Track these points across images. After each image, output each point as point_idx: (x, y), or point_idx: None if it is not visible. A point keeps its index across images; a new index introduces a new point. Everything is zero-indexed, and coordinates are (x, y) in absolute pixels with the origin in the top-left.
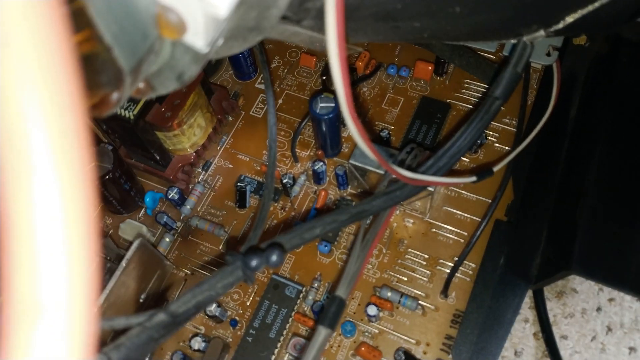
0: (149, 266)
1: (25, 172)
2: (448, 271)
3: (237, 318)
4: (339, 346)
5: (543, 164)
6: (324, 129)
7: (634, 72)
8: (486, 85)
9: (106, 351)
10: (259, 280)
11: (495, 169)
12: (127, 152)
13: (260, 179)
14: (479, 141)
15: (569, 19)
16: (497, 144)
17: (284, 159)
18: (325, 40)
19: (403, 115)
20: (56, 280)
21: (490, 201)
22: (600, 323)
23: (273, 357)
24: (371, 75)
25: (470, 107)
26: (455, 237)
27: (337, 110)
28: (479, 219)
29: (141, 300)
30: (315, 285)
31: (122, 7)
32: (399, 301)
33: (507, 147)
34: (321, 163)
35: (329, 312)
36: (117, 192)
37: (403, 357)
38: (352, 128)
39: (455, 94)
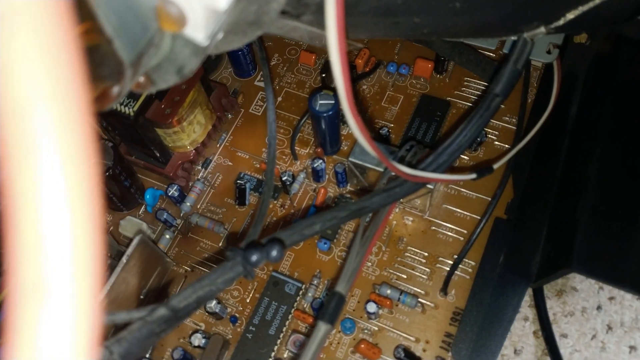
0: (149, 263)
1: (30, 158)
2: (448, 269)
3: (237, 315)
4: (338, 343)
5: (543, 162)
6: (324, 126)
7: (634, 71)
8: (486, 83)
9: (108, 345)
10: (258, 278)
11: (495, 166)
12: (127, 149)
13: (260, 177)
14: (479, 139)
15: (570, 16)
16: (497, 142)
17: (284, 157)
18: (324, 36)
19: (403, 113)
20: (62, 265)
21: (490, 199)
22: (600, 322)
23: (273, 353)
24: (371, 73)
25: (470, 104)
26: (454, 235)
27: (336, 107)
28: (479, 217)
29: (142, 297)
30: (315, 282)
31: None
32: (399, 299)
33: (507, 145)
34: (320, 161)
35: (328, 308)
36: (117, 189)
37: (402, 355)
38: (352, 124)
39: (455, 92)
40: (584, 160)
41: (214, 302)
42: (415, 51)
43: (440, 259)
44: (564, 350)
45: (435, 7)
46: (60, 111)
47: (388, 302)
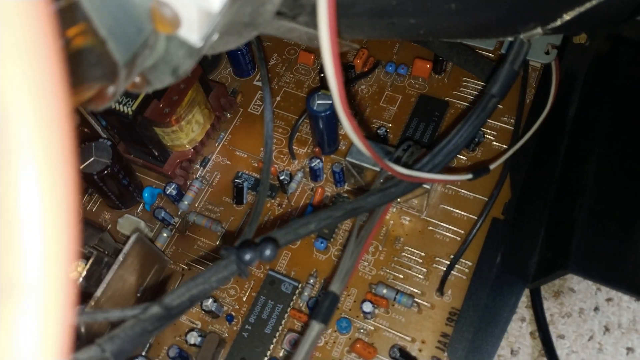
0: (147, 261)
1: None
2: (444, 269)
3: (233, 313)
4: (334, 342)
5: (541, 162)
6: (321, 126)
7: (634, 72)
8: (484, 84)
9: (100, 342)
10: (255, 276)
11: (492, 166)
12: (126, 147)
13: (258, 176)
14: (476, 139)
15: (567, 17)
16: (494, 142)
17: (281, 156)
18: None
19: (401, 113)
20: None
21: (487, 199)
22: (597, 323)
23: (268, 352)
24: (369, 73)
25: (469, 105)
26: (451, 235)
27: (334, 107)
28: (476, 217)
29: (139, 295)
30: (311, 281)
31: (116, 1)
32: (395, 298)
33: (505, 145)
34: (318, 160)
35: (322, 307)
36: (115, 187)
37: (398, 355)
38: (346, 124)
39: (454, 92)
40: (582, 161)
41: (210, 300)
42: (414, 51)
43: (437, 258)
44: (560, 352)
45: (431, 8)
46: (37, 107)
47: (384, 302)
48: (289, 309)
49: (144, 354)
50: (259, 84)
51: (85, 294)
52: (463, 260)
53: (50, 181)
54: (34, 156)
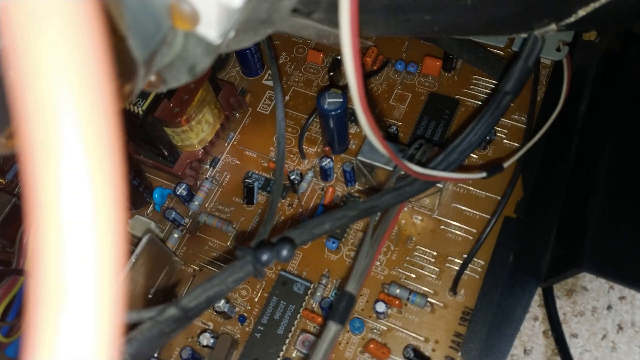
0: (158, 262)
1: (54, 158)
2: (457, 268)
3: (245, 314)
4: (347, 343)
5: (553, 160)
6: (332, 125)
7: None
8: (495, 81)
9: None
10: (267, 277)
11: (506, 164)
12: (136, 148)
13: (268, 175)
14: (488, 137)
15: (581, 13)
16: (506, 140)
17: (291, 156)
18: (334, 34)
19: (411, 111)
20: (84, 266)
21: (499, 198)
22: (611, 321)
23: (281, 353)
24: (379, 71)
25: (479, 103)
26: (464, 234)
27: (344, 106)
28: (488, 216)
29: (150, 296)
30: (324, 281)
31: None
32: (408, 298)
33: (516, 144)
34: (328, 159)
35: (338, 308)
36: (125, 188)
37: (412, 355)
38: (364, 122)
39: (464, 90)
40: (593, 158)
41: (223, 301)
42: (424, 49)
43: (450, 258)
44: (574, 350)
45: (447, 4)
46: (87, 107)
47: (397, 302)
48: (302, 309)
49: (156, 355)
50: (268, 83)
51: None
52: (476, 260)
53: (100, 183)
54: (83, 156)
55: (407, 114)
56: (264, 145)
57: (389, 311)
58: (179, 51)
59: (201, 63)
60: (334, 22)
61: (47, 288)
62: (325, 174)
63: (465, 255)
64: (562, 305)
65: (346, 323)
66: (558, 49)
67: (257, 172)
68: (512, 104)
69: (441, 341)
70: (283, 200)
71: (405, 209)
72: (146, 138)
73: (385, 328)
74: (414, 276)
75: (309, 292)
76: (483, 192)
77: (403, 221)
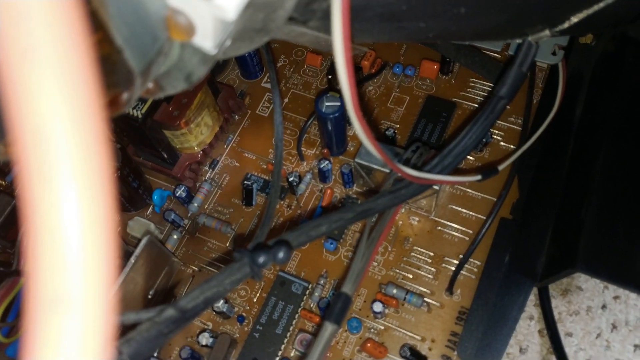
0: (157, 263)
1: (48, 171)
2: (453, 269)
3: (244, 314)
4: (344, 342)
5: (549, 162)
6: (330, 127)
7: None
8: (492, 84)
9: (117, 345)
10: (265, 277)
11: (501, 167)
12: (135, 150)
13: (266, 177)
14: (484, 140)
15: (574, 19)
16: (502, 143)
17: (290, 158)
18: (331, 41)
19: (409, 114)
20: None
21: (495, 199)
22: (605, 320)
23: (280, 352)
24: (377, 74)
25: (476, 106)
26: (460, 235)
27: (342, 109)
28: (484, 217)
29: (149, 297)
30: (322, 282)
31: (133, 10)
32: (405, 298)
33: (512, 146)
34: (327, 161)
35: (335, 308)
36: (125, 190)
37: (408, 354)
38: (358, 127)
39: (461, 93)
40: (589, 161)
41: (222, 301)
42: (421, 53)
43: (446, 258)
44: (568, 349)
45: (441, 12)
46: (76, 123)
47: (394, 302)
48: (300, 309)
49: (155, 355)
50: (267, 85)
51: None
52: (472, 260)
53: (90, 200)
54: (73, 175)
55: (404, 116)
56: (263, 147)
57: (386, 311)
58: (176, 61)
59: (197, 72)
60: (329, 29)
61: (39, 290)
62: (323, 175)
63: (462, 256)
64: (557, 305)
65: (342, 323)
66: (554, 53)
67: (256, 173)
68: (508, 107)
69: (438, 340)
70: (282, 202)
71: (403, 210)
72: (145, 141)
73: (382, 327)
74: (410, 276)
75: (307, 292)
76: (479, 194)
77: (400, 222)
